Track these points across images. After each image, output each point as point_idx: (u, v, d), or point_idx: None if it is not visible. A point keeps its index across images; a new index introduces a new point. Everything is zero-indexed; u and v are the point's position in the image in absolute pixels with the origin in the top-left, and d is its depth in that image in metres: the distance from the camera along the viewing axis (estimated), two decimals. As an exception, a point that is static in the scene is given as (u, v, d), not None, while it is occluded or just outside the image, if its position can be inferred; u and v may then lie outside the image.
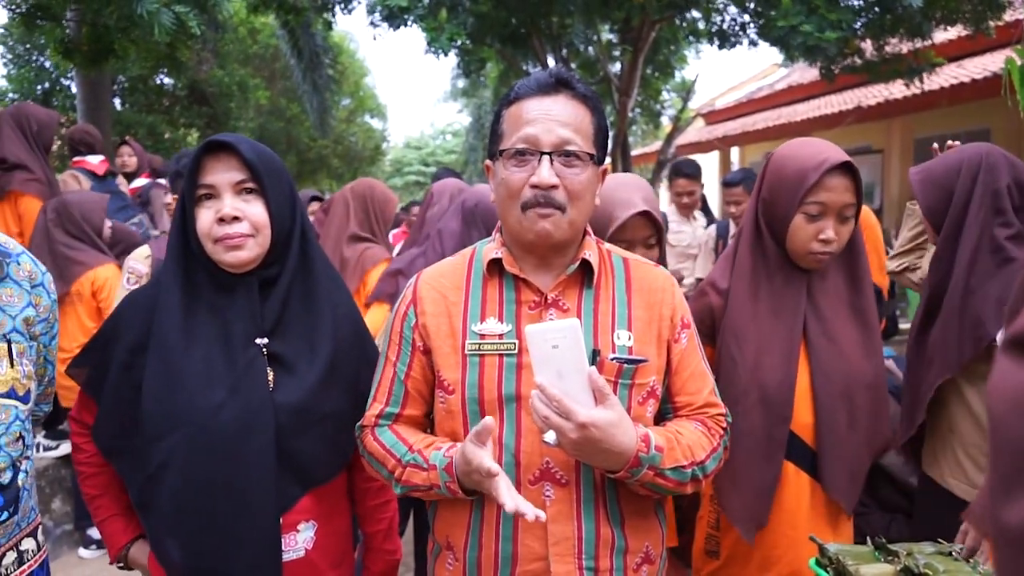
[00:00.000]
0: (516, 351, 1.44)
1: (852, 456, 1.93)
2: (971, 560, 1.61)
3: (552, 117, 1.43)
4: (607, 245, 1.61)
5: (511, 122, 1.47)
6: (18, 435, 1.43)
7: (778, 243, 1.96)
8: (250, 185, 1.58)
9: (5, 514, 1.41)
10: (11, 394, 1.42)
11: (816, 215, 1.88)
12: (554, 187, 1.41)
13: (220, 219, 1.54)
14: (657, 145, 15.19)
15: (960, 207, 2.07)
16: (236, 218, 1.55)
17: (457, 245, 2.85)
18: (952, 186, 2.10)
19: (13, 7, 6.04)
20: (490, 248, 1.54)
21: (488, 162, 1.56)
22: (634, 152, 16.10)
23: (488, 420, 1.32)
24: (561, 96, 1.45)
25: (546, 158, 1.42)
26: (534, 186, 1.42)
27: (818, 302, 1.96)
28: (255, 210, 1.57)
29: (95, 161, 5.27)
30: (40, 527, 1.55)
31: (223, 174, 1.56)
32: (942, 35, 9.32)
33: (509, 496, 1.31)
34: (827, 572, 1.65)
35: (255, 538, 1.55)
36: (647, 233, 2.04)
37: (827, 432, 1.91)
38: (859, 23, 7.88)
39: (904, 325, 5.03)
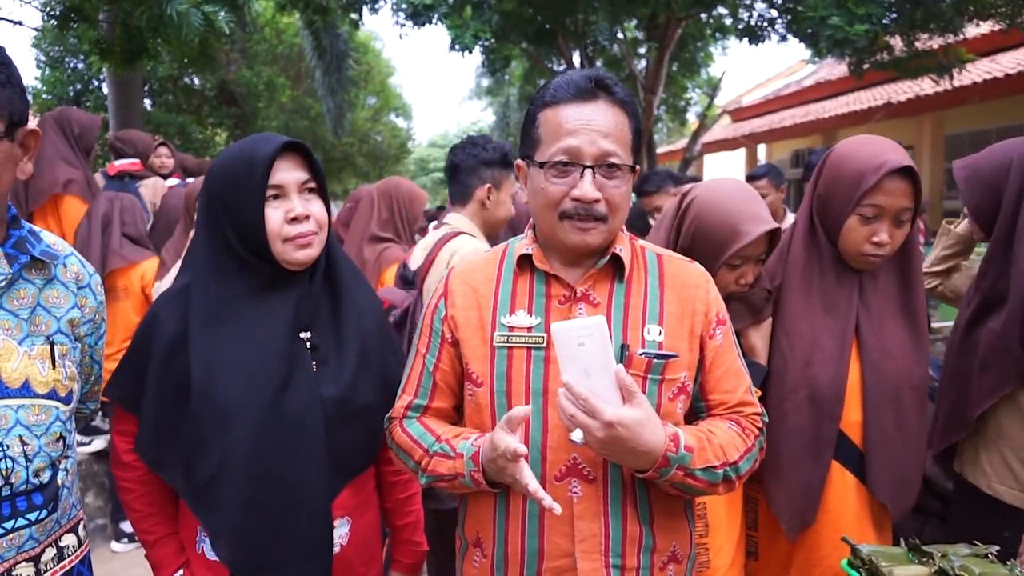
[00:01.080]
0: (544, 344, 1.44)
1: (899, 458, 1.91)
2: (1008, 563, 1.58)
3: (593, 127, 1.41)
4: (640, 242, 1.60)
5: (549, 129, 1.45)
6: (58, 435, 1.45)
7: (831, 241, 1.94)
8: (313, 184, 1.63)
9: (44, 512, 1.42)
10: (52, 395, 1.44)
11: (871, 218, 1.84)
12: (596, 201, 1.41)
13: (293, 219, 1.58)
14: (683, 143, 15.11)
15: (1012, 206, 1.99)
16: (307, 217, 1.59)
17: None
18: (1001, 185, 2.02)
19: (48, 10, 6.15)
20: (521, 244, 1.54)
21: (520, 162, 1.55)
22: (660, 150, 16.03)
23: (522, 409, 1.33)
24: (600, 103, 1.43)
25: (588, 172, 1.40)
26: (575, 199, 1.41)
27: (869, 301, 1.94)
28: (317, 208, 1.62)
29: (117, 164, 5.38)
30: (82, 523, 1.56)
31: (290, 173, 1.60)
32: (975, 30, 9.16)
33: (532, 478, 1.32)
34: (860, 573, 1.63)
35: (311, 530, 1.59)
36: (763, 249, 1.94)
37: (875, 432, 1.89)
38: (889, 18, 7.77)
39: (936, 324, 4.94)
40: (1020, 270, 1.94)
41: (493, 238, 2.78)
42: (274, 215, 1.58)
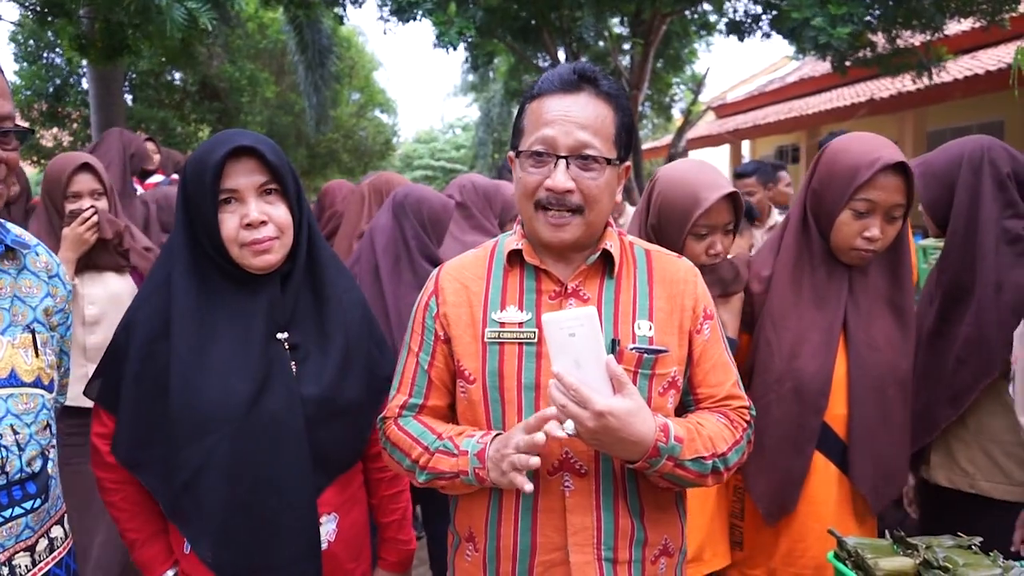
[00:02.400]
0: (536, 340, 1.44)
1: (883, 451, 1.93)
2: (991, 553, 1.60)
3: (571, 118, 1.41)
4: (629, 237, 1.61)
5: (532, 119, 1.46)
6: (45, 424, 1.45)
7: (823, 236, 1.96)
8: (273, 186, 1.58)
9: (38, 501, 1.43)
10: (37, 383, 1.44)
11: (864, 212, 1.87)
12: (569, 191, 1.41)
13: (248, 224, 1.54)
14: (668, 139, 15.16)
15: (967, 203, 2.04)
16: (263, 222, 1.55)
17: (388, 240, 2.80)
18: (953, 181, 2.07)
19: (26, 4, 6.08)
20: (511, 240, 1.54)
21: (511, 154, 1.56)
22: (645, 146, 16.07)
23: (540, 437, 1.31)
24: (583, 94, 1.43)
25: (562, 162, 1.40)
26: (548, 189, 1.42)
27: (858, 296, 1.96)
28: (279, 212, 1.57)
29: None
30: (66, 515, 1.57)
31: (246, 177, 1.55)
32: (956, 27, 9.25)
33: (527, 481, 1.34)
34: (845, 565, 1.65)
35: (298, 529, 1.57)
36: (728, 218, 2.00)
37: (859, 424, 1.91)
38: (872, 15, 7.83)
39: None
40: (987, 261, 1.98)
41: None
42: (229, 220, 1.55)
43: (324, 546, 1.63)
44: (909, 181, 1.87)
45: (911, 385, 2.00)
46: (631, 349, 1.44)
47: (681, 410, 1.54)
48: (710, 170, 2.03)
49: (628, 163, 1.51)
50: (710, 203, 1.92)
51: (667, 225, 1.98)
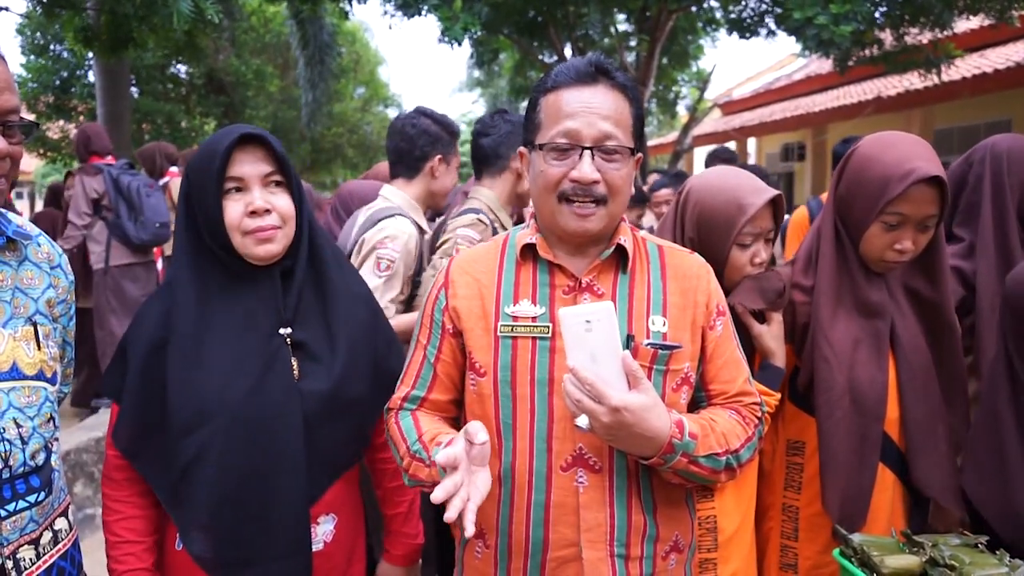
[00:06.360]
0: (549, 334, 1.44)
1: (941, 452, 1.89)
2: (997, 552, 1.59)
3: (593, 110, 1.42)
4: (642, 232, 1.60)
5: (550, 112, 1.45)
6: (49, 416, 1.45)
7: (853, 242, 1.89)
8: (277, 177, 1.58)
9: (42, 494, 1.43)
10: (40, 376, 1.44)
11: (895, 225, 1.79)
12: (595, 182, 1.41)
13: (252, 212, 1.55)
14: (674, 136, 15.14)
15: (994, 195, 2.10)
16: (267, 211, 1.55)
17: None
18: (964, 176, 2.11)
19: (33, -4, 6.08)
20: (524, 234, 1.54)
21: (522, 149, 1.55)
22: (650, 143, 16.04)
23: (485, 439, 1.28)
24: (600, 86, 1.44)
25: (587, 153, 1.41)
26: (574, 180, 1.41)
27: (897, 298, 1.91)
28: (282, 202, 1.58)
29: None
30: (70, 507, 1.57)
31: (252, 166, 1.56)
32: (964, 24, 9.19)
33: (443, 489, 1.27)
34: (851, 562, 1.64)
35: (286, 527, 1.56)
36: (771, 225, 1.91)
37: (914, 428, 1.86)
38: (879, 12, 7.78)
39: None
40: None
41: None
42: (234, 208, 1.56)
43: (320, 547, 1.62)
44: (943, 189, 1.76)
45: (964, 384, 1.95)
46: (646, 345, 1.44)
47: (693, 406, 1.54)
48: (746, 175, 1.94)
49: (639, 156, 1.51)
50: (757, 208, 1.83)
51: (710, 236, 1.89)
